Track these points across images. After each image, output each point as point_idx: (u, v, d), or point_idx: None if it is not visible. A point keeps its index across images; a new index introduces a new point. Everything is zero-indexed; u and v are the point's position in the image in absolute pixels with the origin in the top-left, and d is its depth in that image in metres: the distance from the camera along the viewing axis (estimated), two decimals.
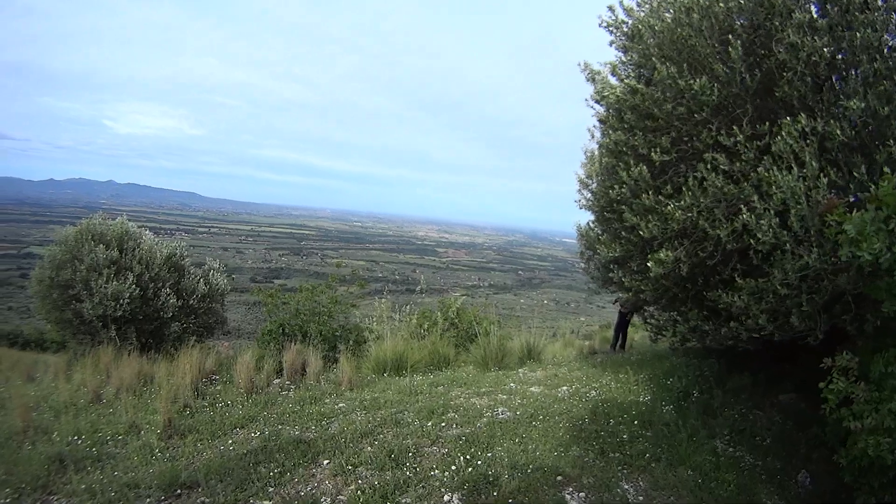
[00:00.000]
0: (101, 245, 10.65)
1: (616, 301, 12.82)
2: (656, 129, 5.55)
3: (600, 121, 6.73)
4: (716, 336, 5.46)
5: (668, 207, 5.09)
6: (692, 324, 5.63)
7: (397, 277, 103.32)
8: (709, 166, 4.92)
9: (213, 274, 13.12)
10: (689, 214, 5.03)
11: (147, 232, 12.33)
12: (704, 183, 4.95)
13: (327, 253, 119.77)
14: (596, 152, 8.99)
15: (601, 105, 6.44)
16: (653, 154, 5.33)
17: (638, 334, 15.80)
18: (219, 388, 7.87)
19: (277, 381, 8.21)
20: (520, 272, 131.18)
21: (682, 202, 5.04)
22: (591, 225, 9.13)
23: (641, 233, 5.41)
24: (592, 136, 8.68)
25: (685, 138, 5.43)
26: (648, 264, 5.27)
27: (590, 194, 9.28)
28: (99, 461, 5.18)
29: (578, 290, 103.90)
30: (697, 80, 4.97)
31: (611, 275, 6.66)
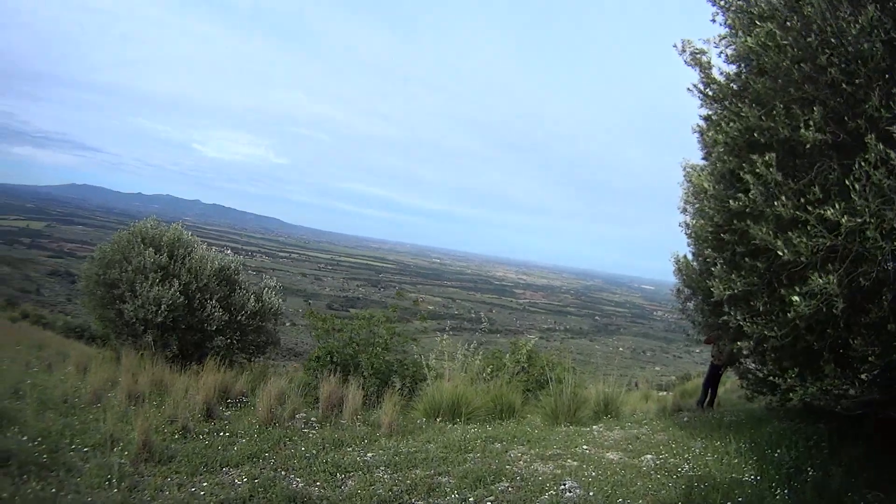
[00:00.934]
0: (151, 249, 10.47)
1: (713, 351, 10.87)
2: (803, 100, 4.09)
3: (714, 99, 5.31)
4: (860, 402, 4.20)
5: (829, 213, 3.64)
6: (826, 383, 4.25)
7: (472, 316, 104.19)
8: (873, 155, 3.48)
9: (266, 292, 12.60)
10: (857, 221, 3.58)
11: (201, 243, 12.04)
12: (870, 179, 3.51)
13: (405, 286, 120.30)
14: (696, 167, 7.30)
15: (711, 89, 5.15)
16: (803, 132, 3.85)
17: (722, 388, 13.80)
18: (236, 412, 6.97)
19: (303, 414, 7.11)
20: (596, 317, 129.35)
21: (837, 207, 3.57)
22: (696, 255, 7.44)
23: (781, 253, 3.94)
24: (703, 133, 6.59)
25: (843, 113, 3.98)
26: (793, 299, 3.85)
27: (690, 221, 7.53)
28: (48, 470, 4.37)
29: (655, 338, 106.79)
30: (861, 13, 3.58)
31: (725, 318, 5.05)
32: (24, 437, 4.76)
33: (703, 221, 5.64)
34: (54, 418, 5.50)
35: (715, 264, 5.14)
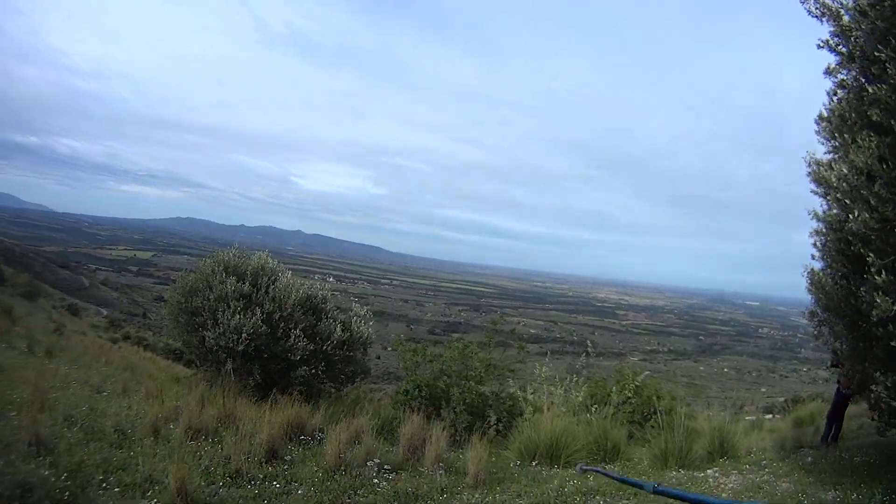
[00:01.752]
0: (234, 277, 10.45)
1: (839, 377, 9.19)
2: None
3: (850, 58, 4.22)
4: None
5: None
6: None
7: (574, 339, 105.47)
8: None
9: (355, 321, 12.18)
10: None
11: (287, 271, 11.97)
12: None
13: (507, 311, 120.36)
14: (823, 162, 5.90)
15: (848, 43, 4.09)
16: None
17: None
18: (304, 453, 6.31)
19: (377, 460, 6.34)
20: (700, 337, 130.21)
21: None
22: (835, 268, 5.91)
23: None
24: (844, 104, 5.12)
25: None
26: None
27: (823, 227, 6.08)
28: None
29: (760, 357, 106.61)
30: None
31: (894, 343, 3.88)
32: (55, 469, 4.36)
33: (864, 215, 4.33)
34: (95, 450, 5.08)
35: (880, 272, 3.98)
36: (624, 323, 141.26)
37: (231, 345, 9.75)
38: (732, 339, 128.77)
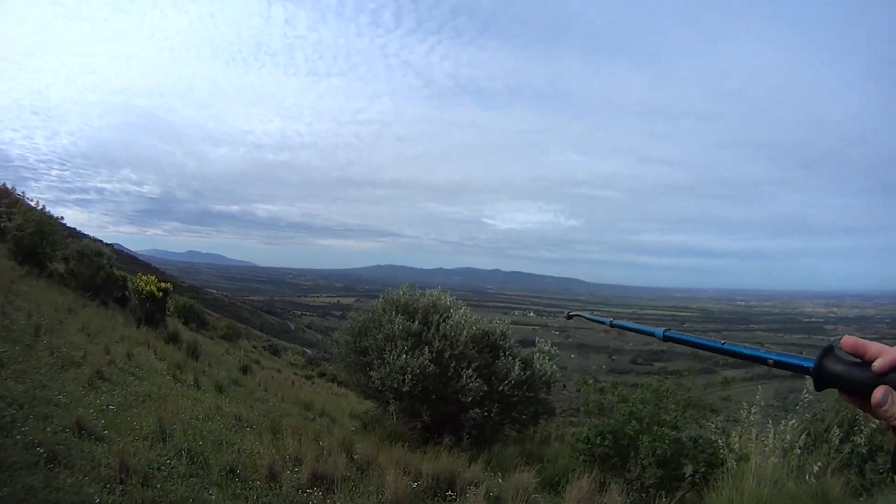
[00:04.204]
0: (402, 316, 10.30)
1: None
2: None
3: None
4: None
5: None
6: None
7: None
8: None
9: (538, 357, 11.46)
10: None
11: (462, 305, 11.53)
12: None
13: (710, 334, 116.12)
14: None
15: None
16: None
17: None
18: None
19: None
20: None
21: None
22: None
23: None
24: None
25: None
26: None
27: None
28: None
29: None
30: None
31: None
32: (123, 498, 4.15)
33: None
34: (184, 486, 4.70)
35: None
36: (832, 339, 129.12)
37: (396, 385, 9.53)
38: None
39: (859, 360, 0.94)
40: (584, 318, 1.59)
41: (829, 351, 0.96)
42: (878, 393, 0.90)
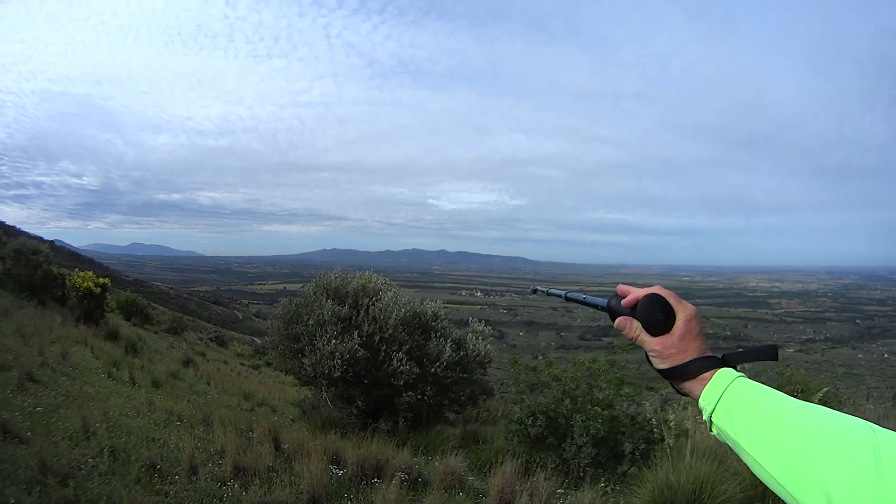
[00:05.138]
0: (331, 301, 10.15)
1: None
2: None
3: None
4: None
5: None
6: None
7: (728, 334, 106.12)
8: None
9: (471, 338, 11.50)
10: None
11: (392, 287, 11.35)
12: None
13: None
14: None
15: None
16: None
17: None
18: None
19: None
20: (857, 321, 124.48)
21: None
22: None
23: None
24: None
25: None
26: None
27: None
28: None
29: None
30: None
31: None
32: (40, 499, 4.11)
33: None
34: (100, 485, 4.63)
35: None
36: (777, 312, 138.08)
37: (328, 371, 9.42)
38: (892, 320, 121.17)
39: (622, 299, 1.29)
40: (546, 293, 1.78)
41: (616, 295, 1.32)
42: (619, 321, 1.28)
